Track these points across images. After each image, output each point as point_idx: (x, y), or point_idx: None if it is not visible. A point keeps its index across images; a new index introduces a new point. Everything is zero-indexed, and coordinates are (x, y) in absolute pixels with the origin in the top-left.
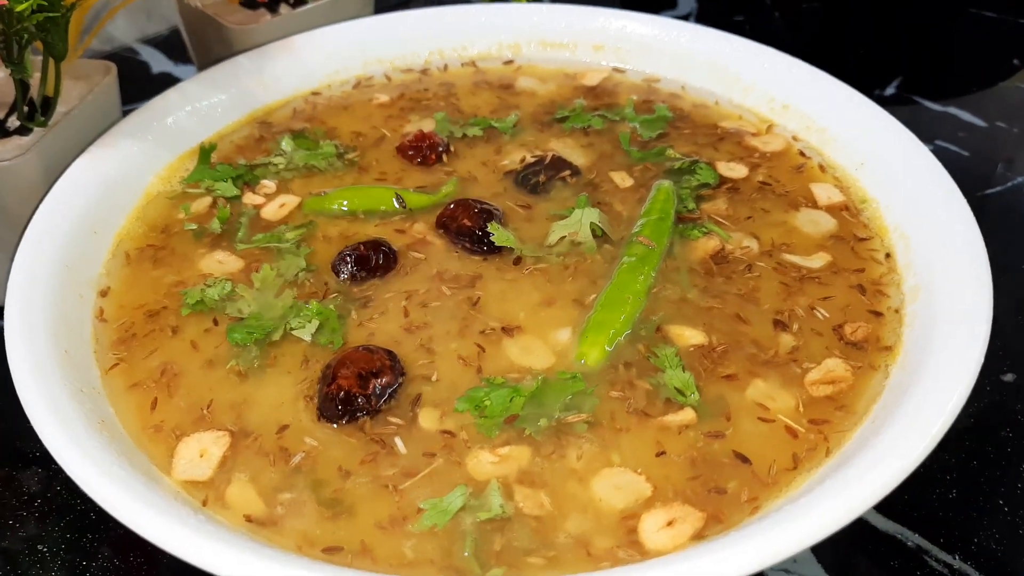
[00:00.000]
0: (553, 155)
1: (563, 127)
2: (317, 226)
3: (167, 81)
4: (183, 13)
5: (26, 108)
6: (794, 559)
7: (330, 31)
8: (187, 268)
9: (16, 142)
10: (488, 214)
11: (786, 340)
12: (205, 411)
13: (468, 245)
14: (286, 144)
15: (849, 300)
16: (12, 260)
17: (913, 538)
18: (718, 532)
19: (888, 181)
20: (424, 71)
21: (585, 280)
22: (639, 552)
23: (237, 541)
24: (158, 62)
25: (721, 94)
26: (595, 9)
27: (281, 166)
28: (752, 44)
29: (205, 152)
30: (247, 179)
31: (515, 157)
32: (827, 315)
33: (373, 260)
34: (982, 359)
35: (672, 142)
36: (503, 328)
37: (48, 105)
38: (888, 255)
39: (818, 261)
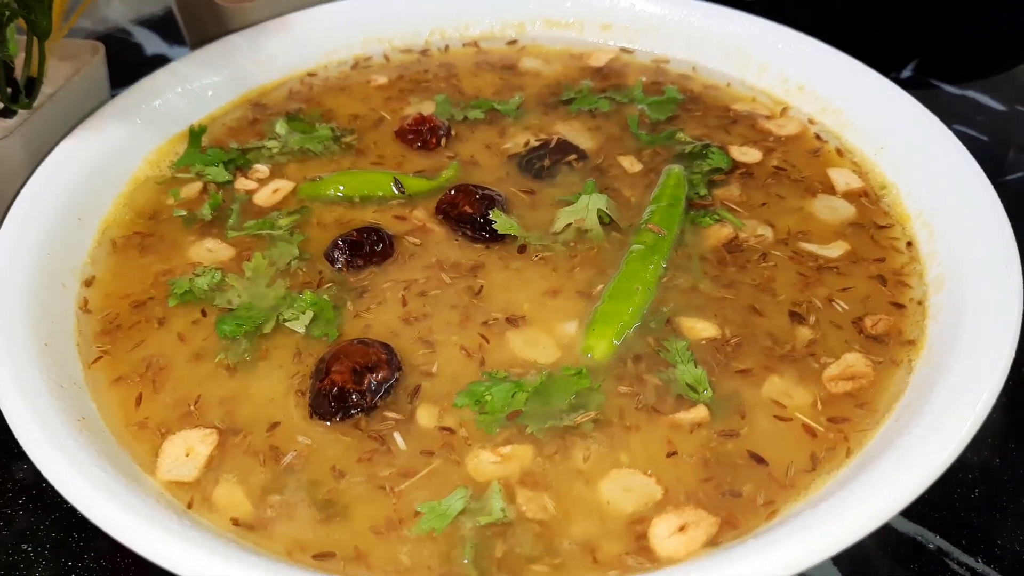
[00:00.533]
0: (558, 139)
1: (569, 109)
2: (312, 212)
3: (161, 63)
4: None
5: (9, 89)
6: None
7: (327, 9)
8: (175, 256)
9: None
10: (490, 200)
11: (803, 333)
12: (192, 407)
13: (469, 232)
14: (280, 127)
15: (869, 291)
16: None
17: (934, 540)
18: (733, 538)
19: (909, 166)
20: (424, 51)
21: (592, 269)
22: (649, 559)
23: (222, 548)
24: (152, 44)
25: (734, 75)
26: None
27: (275, 150)
28: (766, 23)
29: (195, 135)
30: (239, 163)
31: (519, 140)
32: (846, 307)
33: (368, 247)
34: (1013, 353)
35: (683, 125)
36: (507, 318)
37: (32, 86)
38: (910, 243)
39: (836, 250)
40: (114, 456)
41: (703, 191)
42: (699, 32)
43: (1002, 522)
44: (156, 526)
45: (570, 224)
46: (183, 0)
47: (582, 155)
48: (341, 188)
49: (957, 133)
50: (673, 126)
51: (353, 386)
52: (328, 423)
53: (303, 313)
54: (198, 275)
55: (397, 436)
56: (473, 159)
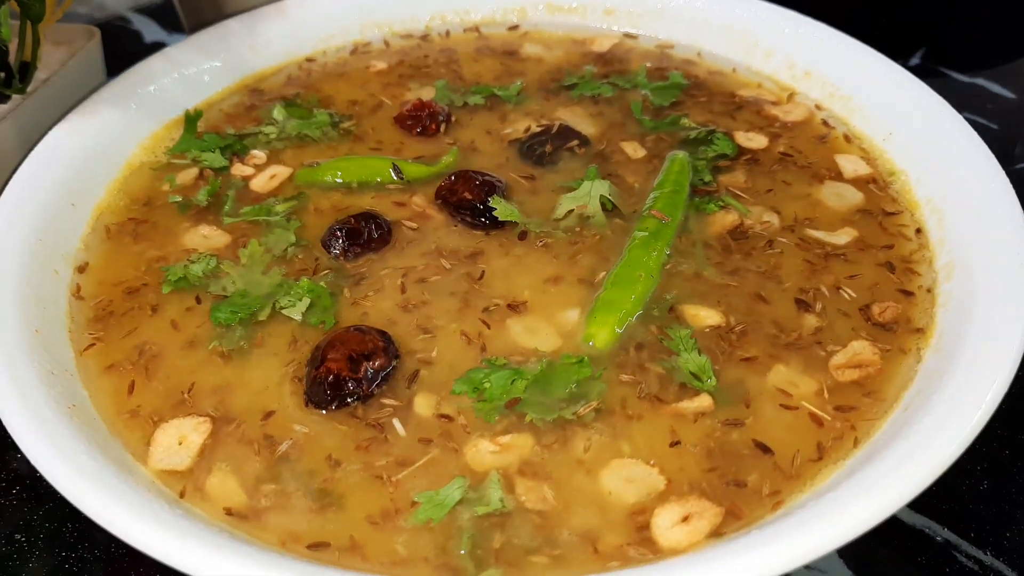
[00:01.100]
0: (560, 124)
1: (571, 95)
2: (309, 198)
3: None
4: None
5: (2, 74)
6: None
7: None
8: (170, 243)
9: None
10: (490, 187)
11: (809, 321)
12: (185, 395)
13: (469, 219)
14: (278, 113)
15: (877, 278)
16: None
17: (942, 532)
18: (737, 529)
19: (919, 152)
20: (424, 37)
21: (594, 256)
22: (652, 550)
23: (214, 538)
24: (151, 31)
25: (739, 61)
26: None
27: (272, 136)
28: (772, 7)
29: (191, 120)
30: (236, 149)
31: (519, 126)
32: (853, 294)
33: (366, 234)
34: None
35: (687, 111)
36: (508, 304)
37: (26, 70)
38: (919, 230)
39: (844, 237)
40: (105, 444)
41: (708, 177)
42: (704, 16)
43: (1011, 514)
44: (147, 516)
45: (572, 210)
46: None
47: (584, 141)
48: (339, 174)
49: (966, 121)
50: (677, 112)
51: (349, 374)
52: (324, 411)
53: (299, 300)
54: (193, 262)
55: (396, 422)
56: (473, 145)
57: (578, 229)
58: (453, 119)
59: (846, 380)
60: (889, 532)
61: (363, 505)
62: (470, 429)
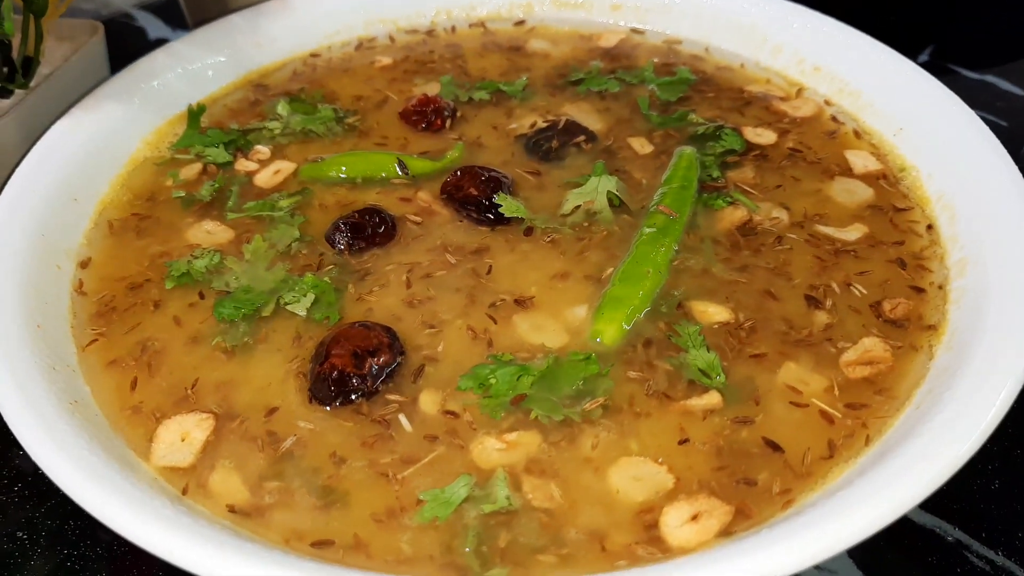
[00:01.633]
0: (567, 120)
1: (577, 91)
2: (313, 194)
3: None
4: None
5: (5, 69)
6: None
7: None
8: (173, 238)
9: None
10: (496, 182)
11: (820, 318)
12: (188, 391)
13: (474, 215)
14: (282, 108)
15: (888, 275)
16: None
17: (953, 532)
18: (747, 528)
19: (929, 148)
20: (430, 32)
21: (601, 253)
22: (660, 549)
23: (217, 535)
24: (155, 28)
25: (747, 56)
26: None
27: (276, 131)
28: (780, 2)
29: (194, 115)
30: (240, 144)
31: (525, 122)
32: (864, 291)
33: (370, 229)
34: None
35: (695, 107)
36: (515, 300)
37: (29, 65)
38: (930, 227)
39: (854, 233)
40: (107, 441)
41: (716, 173)
42: (712, 11)
43: (1023, 514)
44: (150, 513)
45: (579, 206)
46: None
47: (591, 136)
48: (343, 169)
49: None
50: (685, 107)
51: (353, 370)
52: (328, 408)
53: (304, 296)
54: (196, 257)
55: (401, 419)
56: (479, 140)
57: (585, 225)
58: (459, 114)
59: (857, 377)
60: (899, 532)
61: (368, 503)
62: (476, 426)
